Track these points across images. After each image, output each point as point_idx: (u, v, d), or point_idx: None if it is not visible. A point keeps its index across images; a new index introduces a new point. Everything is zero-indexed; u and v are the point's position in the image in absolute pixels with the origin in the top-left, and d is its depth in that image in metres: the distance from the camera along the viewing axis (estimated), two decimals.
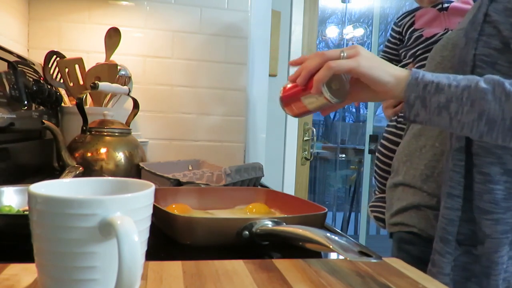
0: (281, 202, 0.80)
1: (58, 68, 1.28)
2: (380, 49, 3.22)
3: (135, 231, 0.33)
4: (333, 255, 0.60)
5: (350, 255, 0.47)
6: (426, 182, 0.81)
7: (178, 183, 0.92)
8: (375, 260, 0.47)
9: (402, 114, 1.17)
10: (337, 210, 4.40)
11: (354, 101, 0.70)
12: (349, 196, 4.41)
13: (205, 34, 1.50)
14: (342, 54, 0.63)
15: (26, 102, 0.98)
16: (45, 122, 0.97)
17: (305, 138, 2.58)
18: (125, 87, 1.19)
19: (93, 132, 1.05)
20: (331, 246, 0.49)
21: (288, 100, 0.69)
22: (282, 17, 2.40)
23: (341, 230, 0.85)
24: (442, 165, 0.78)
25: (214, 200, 0.81)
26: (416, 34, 1.19)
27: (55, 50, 1.31)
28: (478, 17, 0.72)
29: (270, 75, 1.75)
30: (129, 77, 1.40)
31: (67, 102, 1.31)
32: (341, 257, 0.49)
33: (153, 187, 0.39)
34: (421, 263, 0.71)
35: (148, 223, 0.39)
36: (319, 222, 0.66)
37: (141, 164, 1.05)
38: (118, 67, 1.31)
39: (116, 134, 1.06)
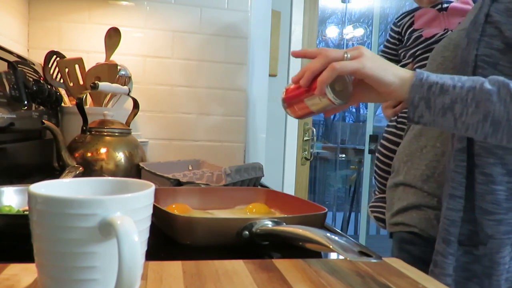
0: (281, 202, 0.80)
1: (58, 68, 1.28)
2: (380, 49, 3.22)
3: (135, 231, 0.33)
4: (333, 255, 0.60)
5: (350, 255, 0.47)
6: (427, 182, 0.81)
7: (178, 183, 0.92)
8: (375, 260, 0.47)
9: (402, 115, 1.17)
10: (337, 210, 4.40)
11: (357, 102, 0.70)
12: (349, 196, 4.41)
13: (205, 34, 1.50)
14: (345, 55, 0.62)
15: (26, 102, 0.98)
16: (45, 122, 0.97)
17: (305, 138, 2.58)
18: (125, 87, 1.19)
19: (93, 132, 1.05)
20: (331, 246, 0.49)
21: (291, 102, 0.69)
22: (282, 17, 2.40)
23: (341, 230, 0.85)
24: (443, 165, 0.78)
25: (214, 200, 0.81)
26: (415, 34, 1.19)
27: (55, 50, 1.31)
28: (479, 17, 0.72)
29: (270, 75, 1.75)
30: (129, 77, 1.40)
31: (67, 102, 1.31)
32: (341, 257, 0.49)
33: (153, 187, 0.39)
34: (422, 263, 0.71)
35: (148, 223, 0.39)
36: (319, 222, 0.66)
37: (141, 164, 1.05)
38: (118, 67, 1.31)
39: (116, 134, 1.06)
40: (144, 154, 1.13)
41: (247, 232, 0.59)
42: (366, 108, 3.45)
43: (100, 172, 1.01)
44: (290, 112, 0.70)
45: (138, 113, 1.19)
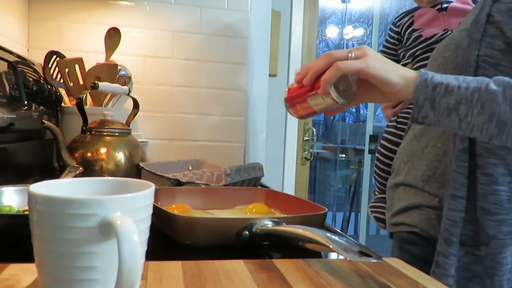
0: (281, 202, 0.80)
1: (58, 68, 1.28)
2: (379, 49, 3.22)
3: (135, 231, 0.33)
4: (333, 255, 0.60)
5: (350, 255, 0.47)
6: (428, 182, 0.81)
7: (178, 183, 0.92)
8: (375, 260, 0.47)
9: (402, 115, 1.17)
10: (337, 210, 4.40)
11: (360, 102, 0.70)
12: (349, 196, 4.41)
13: (205, 34, 1.50)
14: (349, 55, 0.62)
15: (26, 102, 0.98)
16: (45, 122, 0.97)
17: (305, 138, 2.58)
18: (125, 87, 1.19)
19: (93, 132, 1.05)
20: (331, 246, 0.49)
21: (294, 101, 0.68)
22: (282, 17, 2.40)
23: (341, 230, 0.85)
24: (444, 165, 0.78)
25: (214, 200, 0.81)
26: (415, 34, 1.19)
27: (55, 50, 1.31)
28: (481, 17, 0.71)
29: (270, 75, 1.75)
30: (129, 77, 1.40)
31: (67, 102, 1.31)
32: (341, 257, 0.49)
33: (153, 187, 0.39)
34: (423, 263, 0.71)
35: (148, 223, 0.39)
36: (319, 222, 0.66)
37: (141, 164, 1.05)
38: (118, 67, 1.31)
39: (116, 134, 1.06)
40: (144, 154, 1.13)
41: (247, 232, 0.59)
42: (366, 108, 3.45)
43: (100, 172, 1.01)
44: (292, 112, 0.70)
45: (138, 113, 1.19)
